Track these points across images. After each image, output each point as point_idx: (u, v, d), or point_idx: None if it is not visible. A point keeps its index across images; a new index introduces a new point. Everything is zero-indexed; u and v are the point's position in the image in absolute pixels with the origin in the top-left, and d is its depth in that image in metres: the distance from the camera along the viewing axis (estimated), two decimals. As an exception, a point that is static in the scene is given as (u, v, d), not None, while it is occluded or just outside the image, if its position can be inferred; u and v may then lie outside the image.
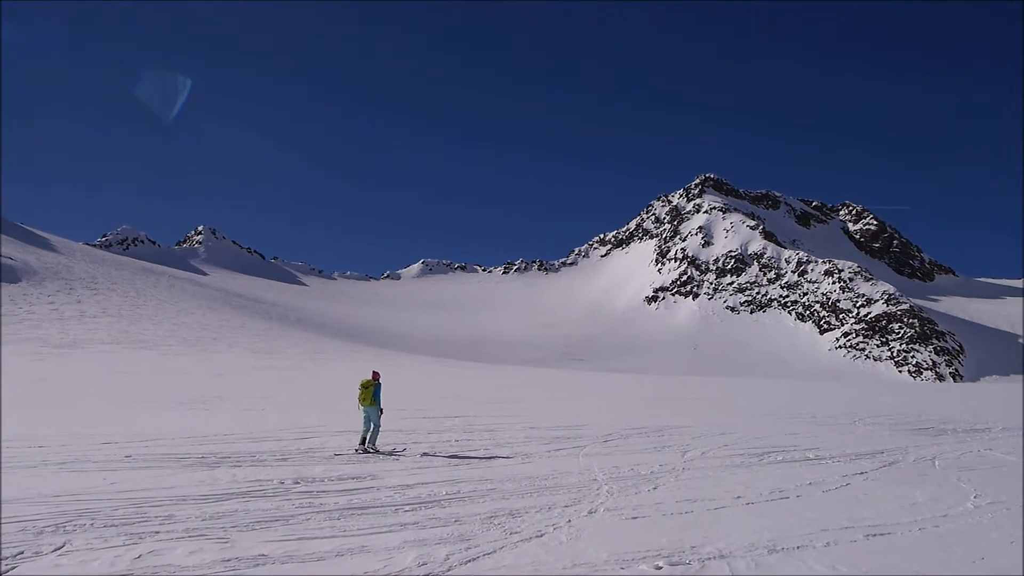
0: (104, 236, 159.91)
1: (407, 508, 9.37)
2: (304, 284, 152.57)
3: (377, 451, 13.87)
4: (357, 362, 51.06)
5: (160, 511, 8.81)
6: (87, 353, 42.36)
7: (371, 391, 14.16)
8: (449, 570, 6.99)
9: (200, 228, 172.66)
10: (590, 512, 9.38)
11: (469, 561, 7.25)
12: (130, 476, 10.72)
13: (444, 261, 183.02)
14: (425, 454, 13.74)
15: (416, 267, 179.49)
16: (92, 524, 8.16)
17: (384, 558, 7.29)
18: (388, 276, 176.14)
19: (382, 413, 14.88)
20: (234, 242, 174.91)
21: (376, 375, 14.73)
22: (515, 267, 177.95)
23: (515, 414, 21.88)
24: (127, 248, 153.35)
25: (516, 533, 8.29)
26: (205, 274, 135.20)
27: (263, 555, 7.30)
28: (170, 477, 10.77)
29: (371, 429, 14.07)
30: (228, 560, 7.13)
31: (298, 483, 10.68)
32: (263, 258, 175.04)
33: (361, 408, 14.18)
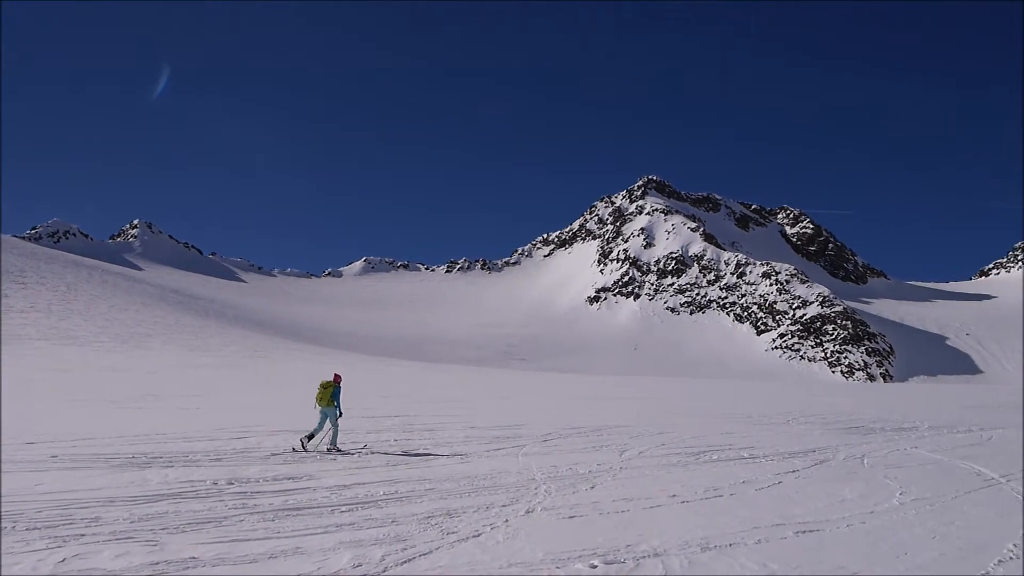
0: (34, 228, 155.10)
1: (343, 509, 9.27)
2: (243, 281, 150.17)
3: (340, 450, 13.82)
4: (297, 361, 50.45)
5: (87, 513, 8.55)
6: (14, 349, 40.99)
7: (330, 392, 14.18)
8: (385, 571, 6.93)
9: (135, 222, 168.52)
10: (528, 511, 9.40)
11: (405, 562, 7.20)
12: (56, 477, 10.39)
13: (387, 259, 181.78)
14: (363, 452, 13.64)
15: (358, 265, 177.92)
16: (14, 527, 7.89)
17: (319, 559, 7.20)
18: (329, 274, 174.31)
19: (341, 416, 14.81)
20: (171, 236, 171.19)
21: (337, 377, 14.76)
22: (458, 266, 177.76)
23: (455, 413, 21.86)
24: (58, 241, 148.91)
25: (453, 533, 8.27)
26: (140, 269, 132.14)
27: (194, 558, 7.14)
28: (98, 478, 10.47)
29: (328, 431, 14.09)
30: (157, 563, 6.96)
31: (232, 484, 10.49)
32: (201, 253, 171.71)
33: (318, 408, 14.13)
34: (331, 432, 14.02)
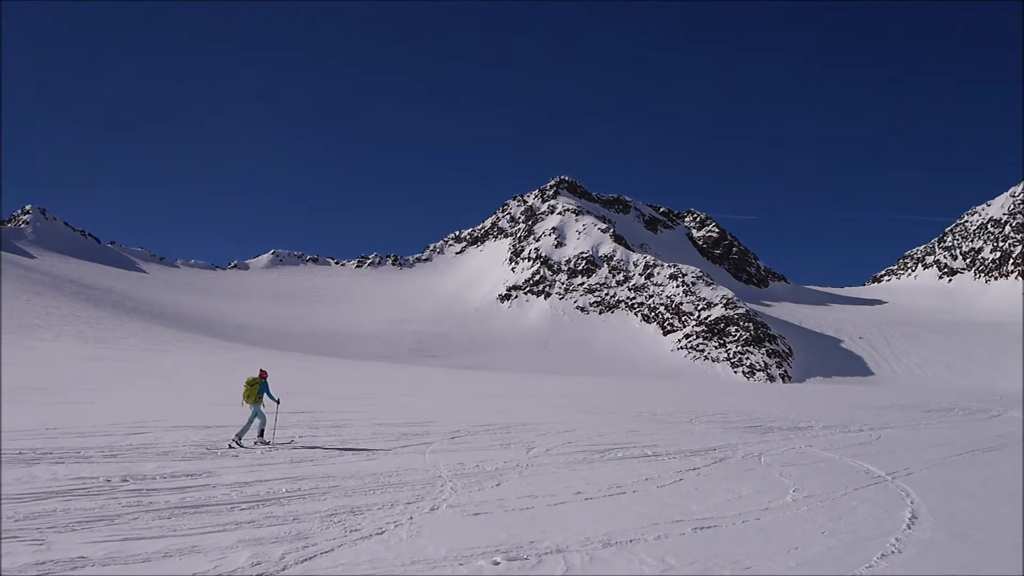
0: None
1: (244, 506, 9.08)
2: (143, 271, 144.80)
3: (242, 446, 13.72)
4: (200, 355, 49.03)
5: (-33, 512, 8.13)
6: None
7: (256, 389, 14.30)
8: (284, 569, 6.82)
9: (28, 207, 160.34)
10: (432, 509, 9.39)
11: (305, 560, 7.10)
12: (-67, 474, 9.85)
13: (295, 252, 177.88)
14: (266, 449, 13.39)
15: (266, 258, 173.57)
16: None
17: (216, 558, 7.03)
18: (236, 266, 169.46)
19: (279, 402, 15.25)
20: (66, 223, 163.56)
21: (263, 373, 14.87)
22: (369, 261, 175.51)
23: (363, 410, 21.66)
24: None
25: (356, 531, 8.19)
26: (32, 257, 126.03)
27: (82, 557, 6.88)
28: (-20, 475, 9.96)
29: (256, 424, 14.15)
30: (43, 563, 6.68)
31: (126, 481, 10.14)
32: (98, 242, 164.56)
33: (246, 404, 14.33)
34: (248, 426, 13.91)
